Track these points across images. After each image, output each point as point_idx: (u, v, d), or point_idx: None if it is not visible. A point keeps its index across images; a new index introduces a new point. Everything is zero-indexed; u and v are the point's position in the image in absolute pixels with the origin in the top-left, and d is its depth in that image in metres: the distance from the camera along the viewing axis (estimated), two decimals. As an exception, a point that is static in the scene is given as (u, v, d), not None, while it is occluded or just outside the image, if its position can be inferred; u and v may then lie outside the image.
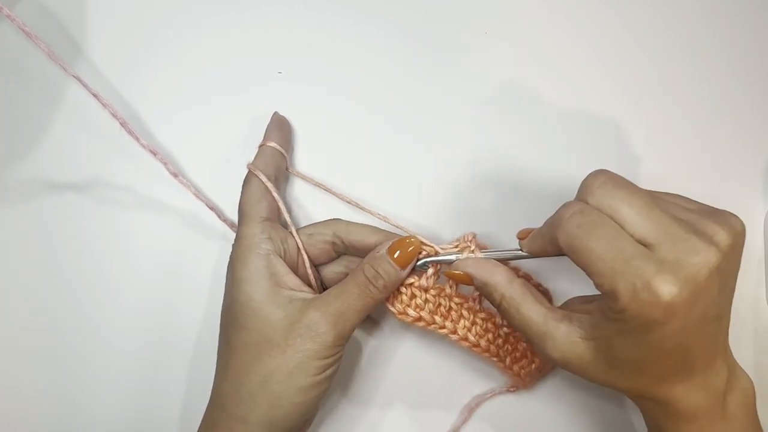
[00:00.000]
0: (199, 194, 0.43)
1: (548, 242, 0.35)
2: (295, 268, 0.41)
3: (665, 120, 0.46)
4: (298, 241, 0.41)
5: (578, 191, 0.34)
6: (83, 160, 0.46)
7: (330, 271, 0.43)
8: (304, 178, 0.45)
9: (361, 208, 0.43)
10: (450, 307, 0.41)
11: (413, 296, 0.40)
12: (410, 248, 0.39)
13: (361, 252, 0.41)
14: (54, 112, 0.47)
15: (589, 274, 0.32)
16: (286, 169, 0.44)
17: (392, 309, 0.40)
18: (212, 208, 0.44)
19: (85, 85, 0.42)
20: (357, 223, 0.42)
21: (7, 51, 0.47)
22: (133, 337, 0.46)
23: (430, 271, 0.40)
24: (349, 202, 0.44)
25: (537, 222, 0.38)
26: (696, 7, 0.47)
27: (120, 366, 0.46)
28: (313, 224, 0.43)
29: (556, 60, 0.47)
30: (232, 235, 0.42)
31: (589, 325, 0.34)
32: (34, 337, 0.46)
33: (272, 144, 0.43)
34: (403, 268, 0.39)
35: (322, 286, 0.43)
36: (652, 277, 0.30)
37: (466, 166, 0.46)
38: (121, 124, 0.43)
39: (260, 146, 0.43)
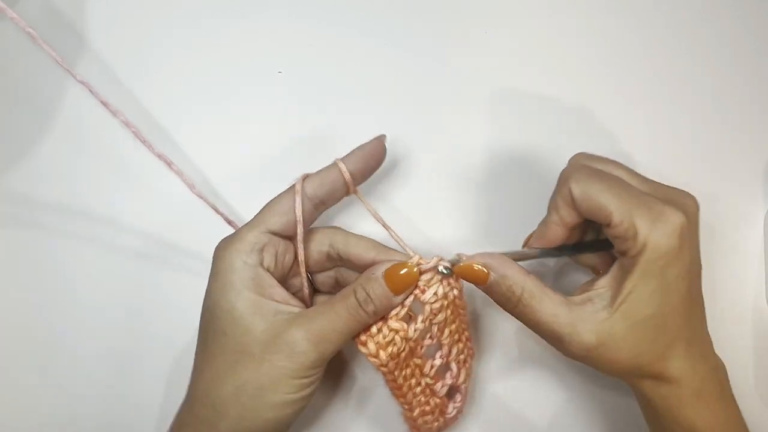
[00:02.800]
0: (209, 202, 0.43)
1: (562, 206, 0.37)
2: (286, 277, 0.40)
3: (665, 120, 0.46)
4: (301, 257, 0.39)
5: (567, 166, 0.39)
6: (84, 160, 0.46)
7: (325, 275, 0.42)
8: (366, 205, 0.41)
9: (403, 247, 0.40)
10: (403, 350, 0.38)
11: (391, 338, 0.37)
12: (405, 272, 0.37)
13: (356, 267, 0.40)
14: (54, 113, 0.47)
15: (606, 216, 0.35)
16: (348, 192, 0.40)
17: (364, 350, 0.37)
18: (217, 209, 0.43)
19: (93, 93, 0.41)
20: (356, 236, 0.40)
21: (7, 50, 0.47)
22: (131, 336, 0.46)
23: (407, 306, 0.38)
24: (395, 240, 0.41)
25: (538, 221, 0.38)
26: (696, 7, 0.47)
27: (117, 365, 0.46)
28: (311, 230, 0.41)
29: (557, 60, 0.47)
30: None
31: (610, 295, 0.36)
32: (27, 338, 0.46)
33: (343, 167, 0.39)
34: (397, 294, 0.37)
35: (313, 292, 0.42)
36: (663, 208, 0.35)
37: (466, 166, 0.46)
38: (134, 133, 0.40)
39: (335, 161, 0.39)
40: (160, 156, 0.41)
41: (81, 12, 0.47)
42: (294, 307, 0.37)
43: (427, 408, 0.40)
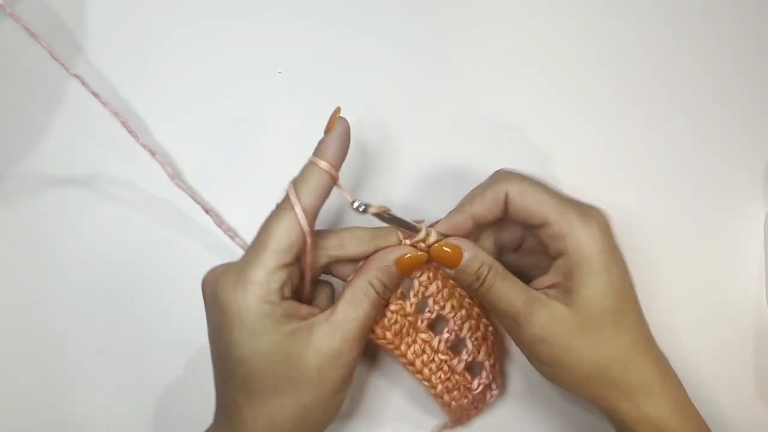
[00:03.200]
0: (195, 197, 0.43)
1: (488, 201, 0.38)
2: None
3: (665, 120, 0.46)
4: (307, 280, 0.39)
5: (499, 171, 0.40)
6: (83, 159, 0.46)
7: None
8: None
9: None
10: (405, 325, 0.40)
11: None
12: (412, 259, 0.38)
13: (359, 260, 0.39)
14: (54, 111, 0.47)
15: (542, 215, 0.37)
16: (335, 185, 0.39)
17: (371, 335, 0.39)
18: (208, 211, 0.43)
19: (85, 84, 0.42)
20: (347, 233, 0.39)
21: (7, 49, 0.47)
22: (129, 335, 0.46)
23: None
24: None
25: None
26: (696, 7, 0.47)
27: (116, 365, 0.46)
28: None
29: (557, 60, 0.47)
30: (228, 240, 0.42)
31: (561, 293, 0.37)
32: (31, 334, 0.46)
33: (324, 165, 0.37)
34: (403, 277, 0.39)
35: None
36: (588, 209, 0.38)
37: (466, 166, 0.46)
38: (122, 123, 0.42)
39: (310, 162, 0.37)
40: (144, 146, 0.42)
41: (80, 12, 0.47)
42: (317, 314, 0.37)
43: (450, 384, 0.40)
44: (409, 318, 0.40)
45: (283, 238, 0.36)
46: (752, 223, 0.45)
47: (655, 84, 0.47)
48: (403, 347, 0.40)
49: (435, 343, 0.40)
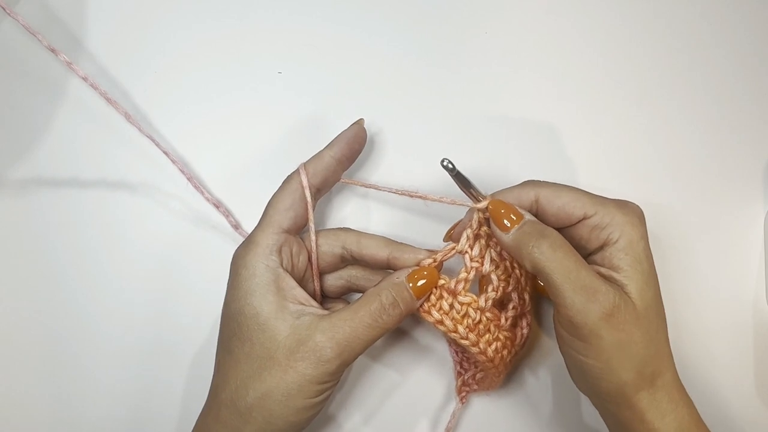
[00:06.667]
0: (207, 194, 0.43)
1: (515, 202, 0.38)
2: (301, 279, 0.40)
3: (665, 120, 0.46)
4: (314, 257, 0.40)
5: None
6: (85, 156, 0.46)
7: (330, 284, 0.42)
8: (356, 183, 0.44)
9: (420, 197, 0.41)
10: (479, 320, 0.38)
11: (440, 297, 0.38)
12: (430, 278, 0.38)
13: (370, 265, 0.41)
14: (56, 109, 0.47)
15: (580, 209, 0.37)
16: (339, 180, 0.42)
17: (442, 327, 0.38)
18: (217, 206, 0.44)
19: (95, 87, 0.41)
20: (368, 235, 0.41)
21: (10, 49, 0.47)
22: (133, 333, 0.46)
23: (462, 275, 0.38)
24: (403, 194, 0.41)
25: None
26: (696, 8, 0.47)
27: (119, 362, 0.46)
28: (322, 232, 0.41)
29: (556, 61, 0.47)
30: (233, 233, 0.42)
31: (608, 266, 0.36)
32: (33, 333, 0.46)
33: (331, 154, 0.41)
34: (419, 298, 0.38)
35: (322, 296, 0.42)
36: (622, 201, 0.38)
37: (465, 166, 0.46)
38: (188, 179, 0.43)
39: (320, 152, 0.41)
40: (209, 200, 0.43)
41: (81, 12, 0.47)
42: (315, 308, 0.38)
43: (505, 352, 0.39)
44: (486, 314, 0.39)
45: (280, 205, 0.39)
46: (752, 223, 0.45)
47: (654, 84, 0.47)
48: (482, 345, 0.38)
49: (502, 321, 0.39)
